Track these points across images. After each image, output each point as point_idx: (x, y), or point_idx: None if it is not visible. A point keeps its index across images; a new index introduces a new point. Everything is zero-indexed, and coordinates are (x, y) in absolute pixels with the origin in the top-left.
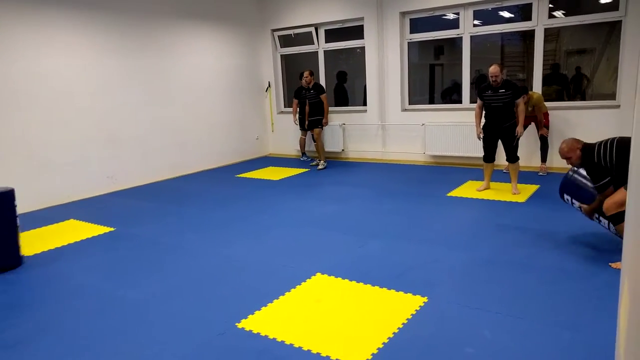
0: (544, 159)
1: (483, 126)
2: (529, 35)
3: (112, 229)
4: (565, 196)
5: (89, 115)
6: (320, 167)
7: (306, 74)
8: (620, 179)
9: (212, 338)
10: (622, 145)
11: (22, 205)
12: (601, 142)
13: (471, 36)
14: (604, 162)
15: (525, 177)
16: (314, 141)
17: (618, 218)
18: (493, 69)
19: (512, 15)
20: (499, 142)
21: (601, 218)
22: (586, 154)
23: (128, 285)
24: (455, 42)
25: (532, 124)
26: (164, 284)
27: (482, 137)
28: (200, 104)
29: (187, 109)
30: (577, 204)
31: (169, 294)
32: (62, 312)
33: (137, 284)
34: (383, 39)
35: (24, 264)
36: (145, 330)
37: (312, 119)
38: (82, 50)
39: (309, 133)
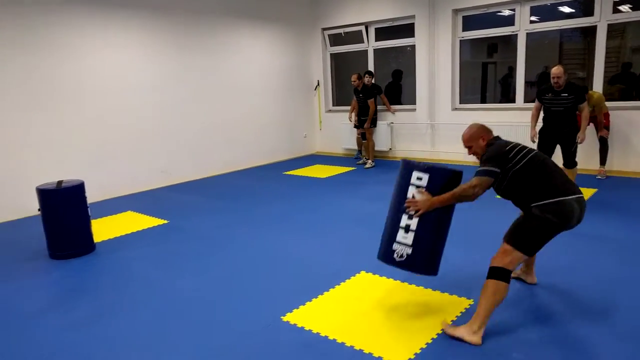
0: (603, 161)
1: (540, 130)
2: (590, 32)
3: (165, 222)
4: (416, 173)
5: (146, 112)
6: (367, 165)
7: (353, 77)
8: (511, 185)
9: (257, 330)
10: (538, 163)
11: None
12: (513, 147)
13: (527, 33)
14: (509, 165)
15: (583, 180)
16: (363, 139)
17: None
18: (556, 70)
19: (573, 11)
20: (556, 146)
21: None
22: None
23: (179, 275)
24: (510, 40)
25: (591, 124)
26: (212, 276)
27: (536, 140)
28: (250, 101)
29: (237, 107)
30: (416, 190)
31: (217, 286)
32: (121, 298)
33: (187, 275)
34: (434, 37)
35: (95, 250)
36: (194, 320)
37: (362, 118)
38: (141, 48)
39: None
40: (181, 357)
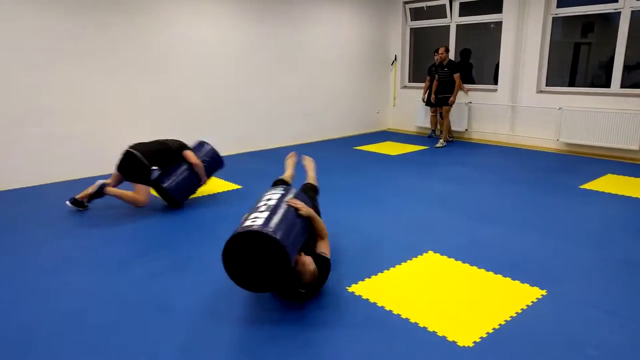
0: None
1: None
2: None
3: (239, 187)
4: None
5: (226, 81)
6: (438, 145)
7: (441, 50)
8: None
9: (322, 298)
10: None
11: None
12: None
13: (632, 11)
14: None
15: None
16: (441, 118)
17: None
18: None
19: None
20: None
21: None
22: None
23: None
24: (610, 19)
25: None
26: None
27: None
28: (325, 74)
29: (312, 79)
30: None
31: None
32: (196, 254)
33: None
34: (524, 13)
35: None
36: None
37: (439, 96)
38: (224, 18)
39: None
40: (247, 314)
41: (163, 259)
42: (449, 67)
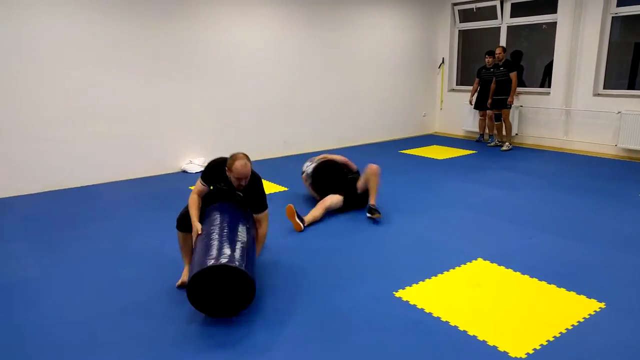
0: None
1: None
2: None
3: (285, 189)
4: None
5: (272, 83)
6: (505, 148)
7: (498, 50)
8: None
9: (369, 301)
10: None
11: None
12: None
13: None
14: None
15: None
16: (496, 121)
17: None
18: None
19: None
20: None
21: None
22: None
23: (295, 241)
24: None
25: None
26: (330, 243)
27: None
28: (370, 77)
29: (357, 82)
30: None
31: (332, 253)
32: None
33: (310, 239)
34: (581, 12)
35: None
36: (309, 284)
37: (497, 97)
38: (272, 23)
39: (488, 113)
40: (295, 316)
41: None
42: (506, 66)
